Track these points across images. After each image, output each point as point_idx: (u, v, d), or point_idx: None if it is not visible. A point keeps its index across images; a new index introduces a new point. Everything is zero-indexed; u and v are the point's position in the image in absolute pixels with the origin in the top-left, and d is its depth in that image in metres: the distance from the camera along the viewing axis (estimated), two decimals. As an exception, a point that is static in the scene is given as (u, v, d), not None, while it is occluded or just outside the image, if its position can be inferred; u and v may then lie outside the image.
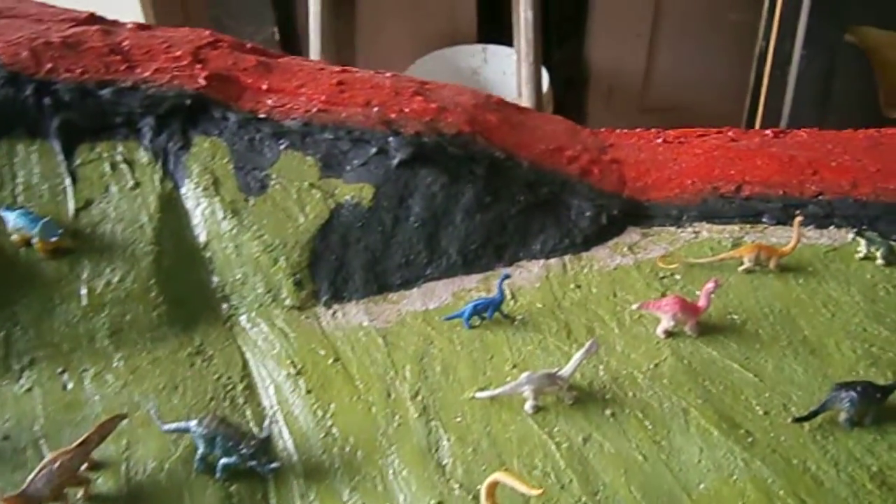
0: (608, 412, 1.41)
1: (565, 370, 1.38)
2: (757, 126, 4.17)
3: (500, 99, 1.97)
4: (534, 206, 1.71)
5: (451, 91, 1.91)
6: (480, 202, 1.67)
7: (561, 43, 5.43)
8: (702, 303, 1.49)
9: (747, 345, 1.52)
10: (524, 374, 1.39)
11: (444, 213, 1.66)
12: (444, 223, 1.65)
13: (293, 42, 4.38)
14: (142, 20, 4.01)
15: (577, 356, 1.37)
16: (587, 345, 1.37)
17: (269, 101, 1.72)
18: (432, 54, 4.82)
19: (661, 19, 4.93)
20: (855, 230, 1.66)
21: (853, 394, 1.35)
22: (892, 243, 1.64)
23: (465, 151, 1.71)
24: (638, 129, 2.05)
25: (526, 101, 3.74)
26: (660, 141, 1.99)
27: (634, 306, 1.53)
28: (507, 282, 1.60)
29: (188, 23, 4.80)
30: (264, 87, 1.75)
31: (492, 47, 4.80)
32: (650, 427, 1.39)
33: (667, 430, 1.38)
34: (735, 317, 1.57)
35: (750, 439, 1.36)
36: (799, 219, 1.62)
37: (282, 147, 1.65)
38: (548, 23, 5.42)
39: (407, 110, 1.75)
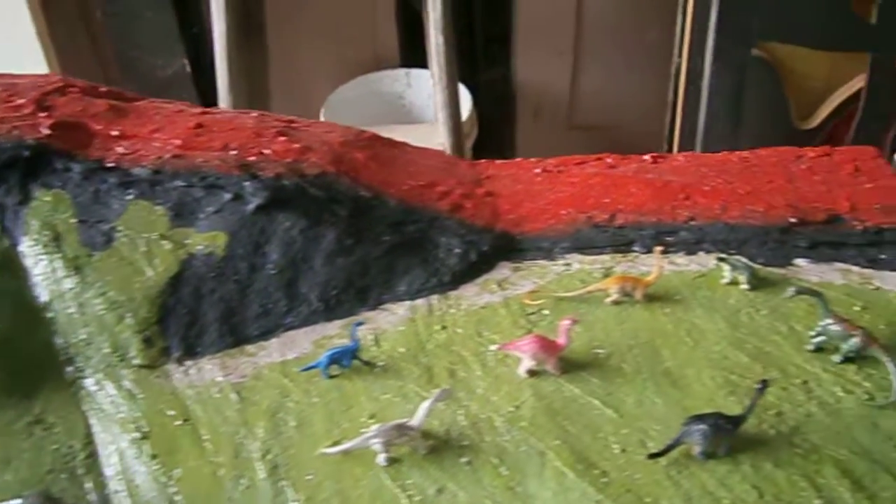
0: (464, 460, 1.39)
1: (415, 420, 1.36)
2: (675, 143, 4.28)
3: (373, 134, 1.97)
4: (400, 245, 1.71)
5: (320, 129, 1.90)
6: (342, 245, 1.66)
7: (488, 64, 5.51)
8: (561, 340, 1.50)
9: (610, 380, 1.53)
10: (374, 427, 1.37)
11: (303, 258, 1.64)
12: (303, 269, 1.63)
13: (206, 74, 4.34)
14: (45, 62, 3.94)
15: (426, 405, 1.36)
16: (437, 393, 1.37)
17: (120, 149, 1.69)
18: (355, 80, 4.83)
19: (582, 37, 5.05)
20: (716, 255, 1.69)
21: (704, 427, 1.36)
22: (755, 266, 1.68)
23: (328, 192, 1.70)
24: (518, 159, 2.08)
25: (442, 126, 3.77)
26: (538, 171, 2.01)
27: (493, 347, 1.53)
28: (369, 326, 1.59)
29: (98, 59, 4.74)
30: (115, 133, 1.71)
31: (415, 71, 4.84)
32: (506, 473, 1.38)
33: (522, 476, 1.38)
34: (600, 351, 1.58)
35: (605, 479, 1.37)
36: (659, 248, 1.64)
37: (129, 197, 1.62)
38: (474, 44, 5.51)
39: (268, 152, 1.74)
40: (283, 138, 1.77)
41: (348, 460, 1.40)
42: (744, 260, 1.67)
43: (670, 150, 4.34)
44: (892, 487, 1.39)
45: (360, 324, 1.50)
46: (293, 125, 1.86)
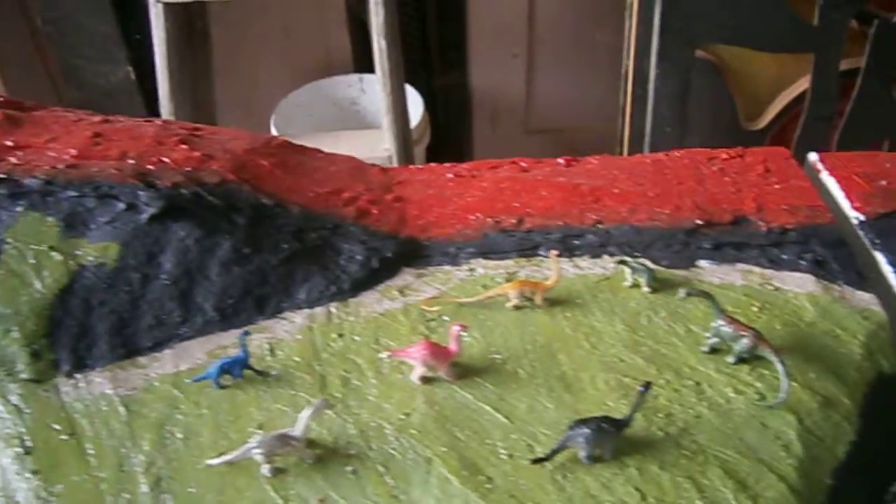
0: (349, 469, 1.40)
1: (296, 430, 1.36)
2: (625, 146, 4.32)
3: (284, 142, 1.97)
4: (300, 253, 1.71)
5: (226, 136, 1.90)
6: (239, 253, 1.65)
7: (444, 69, 5.54)
8: (452, 347, 1.50)
9: (504, 385, 1.54)
10: (255, 437, 1.37)
11: (198, 267, 1.63)
12: (198, 279, 1.63)
13: (152, 81, 4.32)
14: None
15: (305, 415, 1.36)
16: (316, 403, 1.37)
17: (13, 159, 1.67)
18: (307, 86, 4.84)
19: (535, 40, 5.09)
20: (617, 259, 1.71)
21: (587, 431, 1.38)
22: (655, 269, 1.70)
23: (226, 201, 1.70)
24: (432, 164, 2.09)
25: (387, 131, 3.78)
26: (451, 175, 2.02)
27: (384, 355, 1.53)
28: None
29: (45, 68, 4.69)
30: (9, 143, 1.70)
31: (369, 76, 4.85)
32: (390, 481, 1.38)
33: (407, 483, 1.38)
34: (497, 356, 1.59)
35: (489, 485, 1.38)
36: (554, 252, 1.66)
37: (20, 209, 1.61)
38: (428, 50, 5.53)
39: (167, 160, 1.73)
40: (184, 146, 1.77)
41: (232, 472, 1.40)
42: (644, 262, 1.69)
43: (621, 152, 4.38)
44: (776, 487, 1.41)
45: (247, 333, 1.49)
46: (197, 133, 1.86)
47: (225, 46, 4.63)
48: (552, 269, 1.65)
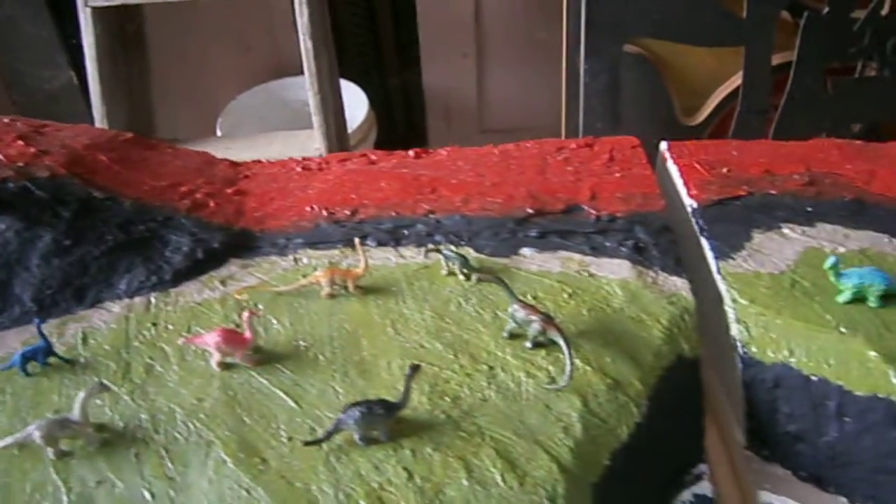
0: (133, 451, 1.45)
1: (73, 413, 1.42)
2: (561, 141, 4.34)
3: (132, 137, 2.04)
4: (125, 244, 1.77)
5: (71, 133, 1.97)
6: (59, 245, 1.72)
7: (398, 70, 5.60)
8: (247, 334, 1.55)
9: (301, 371, 1.59)
10: (36, 421, 1.43)
11: (17, 260, 1.70)
12: (17, 271, 1.69)
13: (94, 85, 4.43)
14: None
15: (80, 398, 1.41)
16: (89, 387, 1.42)
17: None
18: (257, 88, 4.92)
19: (483, 40, 5.13)
20: (429, 247, 1.75)
21: (357, 413, 1.42)
22: (467, 257, 1.73)
23: (54, 194, 1.77)
24: (286, 159, 2.14)
25: (317, 131, 3.83)
26: (299, 169, 2.07)
27: (180, 341, 1.59)
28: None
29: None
30: None
31: (329, 79, 4.91)
32: (169, 464, 1.43)
33: (185, 466, 1.43)
34: (302, 343, 1.64)
35: (262, 467, 1.42)
36: (357, 240, 1.70)
37: None
38: (382, 50, 5.59)
39: (1, 157, 1.80)
40: (20, 143, 1.84)
41: (22, 455, 1.45)
42: (453, 249, 1.73)
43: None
44: (547, 467, 1.44)
45: (41, 321, 1.56)
46: (42, 130, 1.93)
47: (175, 49, 4.73)
48: (360, 256, 1.69)
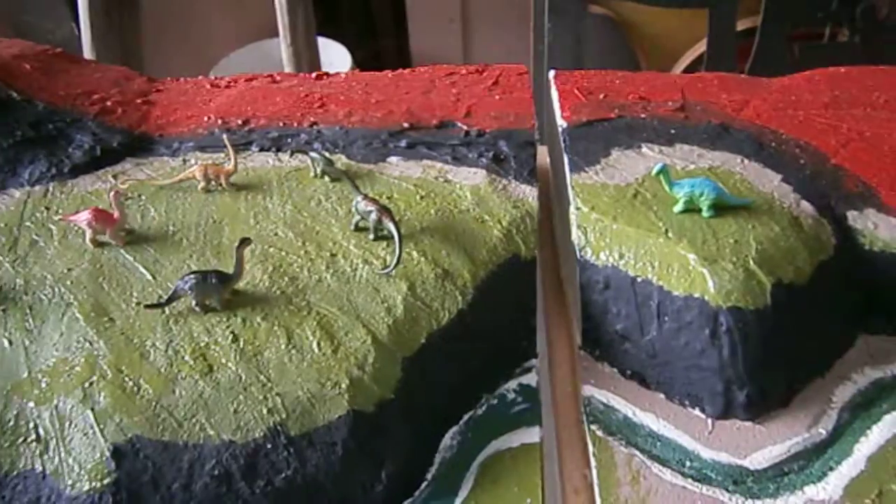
0: (1, 308, 1.60)
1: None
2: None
3: (61, 52, 2.19)
4: (33, 140, 1.92)
5: (6, 44, 2.13)
6: (-29, 137, 1.89)
7: (384, 33, 5.69)
8: (115, 214, 1.69)
9: (164, 251, 1.73)
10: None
11: (-70, 148, 1.87)
12: (-68, 156, 1.87)
13: (95, 35, 4.64)
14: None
15: None
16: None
17: None
18: (248, 46, 5.07)
19: (468, 4, 5.18)
20: (293, 148, 1.86)
21: (192, 280, 1.55)
22: (330, 158, 1.84)
23: (-28, 93, 1.93)
24: (199, 78, 2.27)
25: (289, 83, 3.95)
26: (209, 86, 2.20)
27: (57, 217, 1.73)
28: None
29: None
30: None
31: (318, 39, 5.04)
32: (30, 320, 1.59)
33: (43, 322, 1.59)
34: (172, 228, 1.78)
35: (108, 325, 1.57)
36: (225, 136, 1.82)
37: None
38: (371, 13, 5.68)
39: (-69, 59, 1.98)
40: (-51, 49, 2.01)
41: None
42: (320, 152, 1.83)
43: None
44: (362, 339, 1.56)
45: (-66, 195, 1.72)
46: (-22, 41, 2.10)
47: (169, 5, 4.92)
48: (230, 154, 1.81)
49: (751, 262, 1.75)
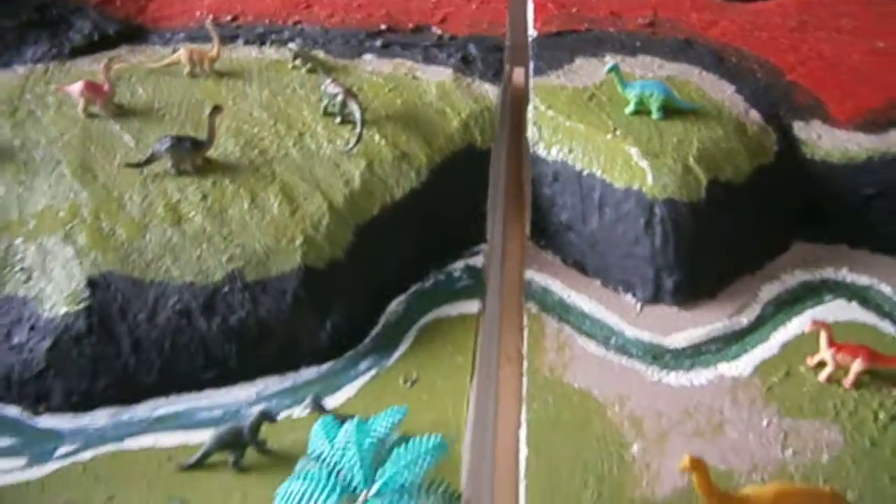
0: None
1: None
2: None
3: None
4: (37, 23, 2.11)
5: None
6: (-20, 17, 2.08)
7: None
8: (105, 86, 1.87)
9: (148, 123, 1.91)
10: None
11: (-55, 24, 2.07)
12: (-56, 33, 2.06)
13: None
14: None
15: None
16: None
17: None
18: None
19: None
20: (272, 39, 2.02)
21: (167, 142, 1.73)
22: (309, 51, 1.99)
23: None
24: (200, -20, 2.43)
25: None
26: (209, -14, 2.36)
27: (53, 87, 1.92)
28: None
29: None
30: None
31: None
32: (23, 175, 1.79)
33: (34, 176, 1.79)
34: (157, 105, 1.96)
35: (92, 181, 1.76)
36: (208, 22, 1.99)
37: None
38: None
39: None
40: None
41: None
42: (298, 46, 1.99)
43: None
44: (319, 204, 1.74)
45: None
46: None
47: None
48: (214, 41, 1.98)
49: (690, 158, 1.87)
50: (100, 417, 1.69)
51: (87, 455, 1.63)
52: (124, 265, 1.70)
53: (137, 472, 1.59)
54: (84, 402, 1.67)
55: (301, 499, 1.29)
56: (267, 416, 1.53)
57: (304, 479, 1.30)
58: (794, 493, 1.49)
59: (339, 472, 1.31)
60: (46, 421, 1.67)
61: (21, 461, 1.63)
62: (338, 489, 1.28)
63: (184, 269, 1.71)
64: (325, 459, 1.37)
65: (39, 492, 1.60)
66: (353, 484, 1.31)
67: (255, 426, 1.54)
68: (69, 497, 1.55)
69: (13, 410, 1.70)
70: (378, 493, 1.28)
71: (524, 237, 2.03)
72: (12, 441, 1.66)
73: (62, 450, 1.63)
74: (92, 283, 1.68)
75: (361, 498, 1.28)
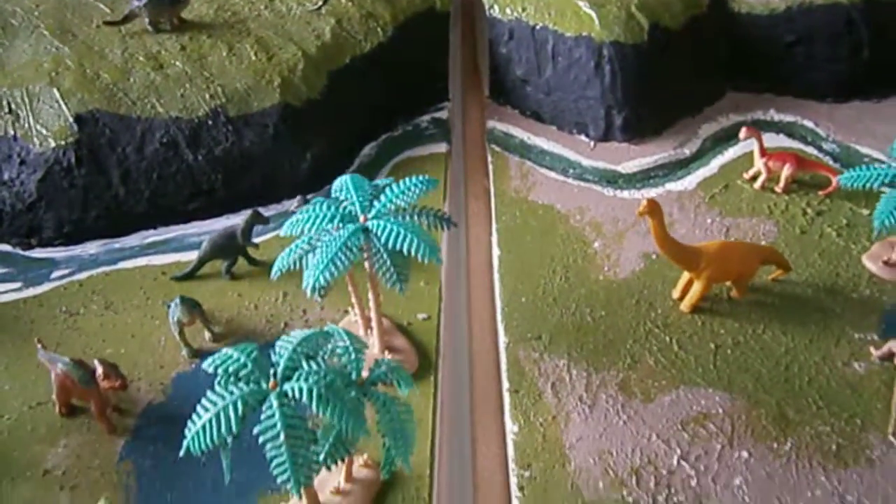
0: None
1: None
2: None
3: None
4: None
5: None
6: None
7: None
8: None
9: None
10: None
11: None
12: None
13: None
14: None
15: None
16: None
17: None
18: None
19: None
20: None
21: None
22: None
23: None
24: None
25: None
26: None
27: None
28: None
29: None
30: None
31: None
32: (4, 38, 1.89)
33: (14, 38, 1.90)
34: None
35: (72, 39, 1.88)
36: None
37: None
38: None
39: None
40: None
41: None
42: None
43: None
44: (294, 52, 1.91)
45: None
46: None
47: None
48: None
49: (632, 6, 2.12)
50: (91, 247, 1.80)
51: (82, 276, 1.74)
52: (111, 104, 1.83)
53: (133, 286, 1.71)
54: (76, 234, 1.78)
55: (306, 222, 1.44)
56: (258, 216, 1.67)
57: (310, 209, 1.44)
58: (738, 245, 1.73)
59: (340, 203, 1.47)
60: (39, 252, 1.77)
61: (17, 284, 1.73)
62: (339, 214, 1.43)
63: (168, 105, 1.85)
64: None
65: (38, 306, 1.70)
66: (353, 211, 1.44)
67: (248, 226, 1.69)
68: (69, 306, 1.66)
69: (5, 247, 1.79)
70: (376, 215, 1.45)
71: (483, 97, 2.24)
72: (6, 270, 1.75)
73: (57, 273, 1.73)
74: (80, 120, 1.80)
75: (361, 219, 1.44)
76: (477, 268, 1.95)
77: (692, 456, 1.60)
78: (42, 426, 1.67)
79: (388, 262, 1.47)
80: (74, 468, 1.60)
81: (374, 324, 1.69)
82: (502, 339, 1.80)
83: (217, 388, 1.23)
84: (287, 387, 1.21)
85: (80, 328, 1.82)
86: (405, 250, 1.44)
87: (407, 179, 1.56)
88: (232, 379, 1.23)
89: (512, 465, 1.60)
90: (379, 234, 1.44)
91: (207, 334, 1.82)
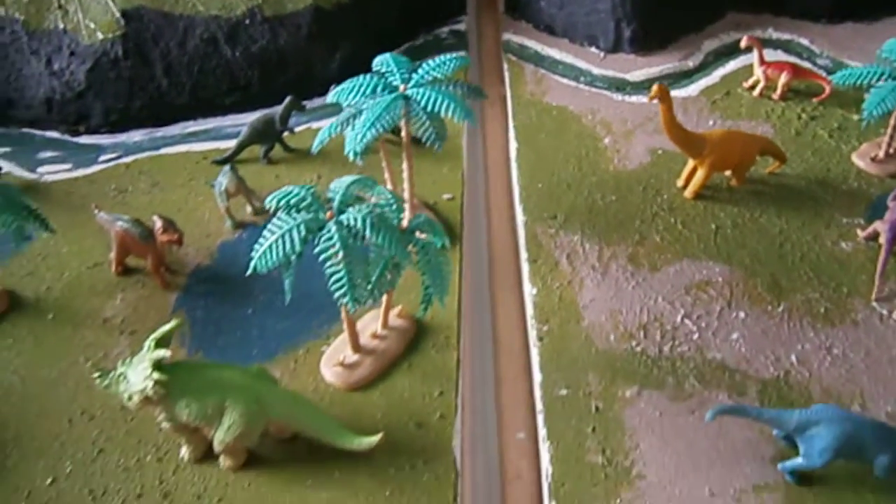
0: None
1: None
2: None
3: None
4: None
5: None
6: None
7: None
8: None
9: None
10: None
11: None
12: None
13: None
14: None
15: None
16: None
17: None
18: None
19: None
20: None
21: None
22: None
23: None
24: None
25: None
26: None
27: None
28: None
29: None
30: None
31: None
32: None
33: None
34: None
35: None
36: None
37: None
38: None
39: None
40: None
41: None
42: None
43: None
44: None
45: None
46: None
47: None
48: None
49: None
50: (136, 135, 1.93)
51: (128, 159, 1.87)
52: (154, 1, 1.95)
53: (177, 167, 1.85)
54: (121, 122, 1.92)
55: (351, 91, 1.58)
56: (296, 103, 1.81)
57: (354, 81, 1.61)
58: (739, 133, 1.90)
59: (381, 75, 1.63)
60: (86, 139, 1.90)
61: (67, 165, 1.86)
62: (381, 83, 1.58)
63: (208, 4, 1.98)
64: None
65: (88, 184, 1.83)
66: (394, 81, 1.58)
67: (287, 112, 1.83)
68: (117, 185, 1.79)
69: (54, 133, 1.91)
70: (415, 85, 1.59)
71: (499, 12, 2.39)
72: (56, 153, 1.88)
73: (104, 157, 1.86)
74: (126, 15, 1.92)
75: (401, 88, 1.58)
76: (495, 160, 2.13)
77: (694, 315, 1.76)
78: (100, 283, 1.82)
79: (428, 123, 1.62)
80: (132, 317, 1.76)
81: (406, 195, 1.83)
82: (520, 218, 2.01)
83: (281, 215, 1.35)
84: (343, 217, 1.35)
85: (129, 203, 2.00)
86: (443, 112, 1.61)
87: (440, 56, 1.73)
88: (293, 210, 1.36)
89: (531, 321, 1.75)
90: (419, 99, 1.60)
91: (249, 208, 1.98)
